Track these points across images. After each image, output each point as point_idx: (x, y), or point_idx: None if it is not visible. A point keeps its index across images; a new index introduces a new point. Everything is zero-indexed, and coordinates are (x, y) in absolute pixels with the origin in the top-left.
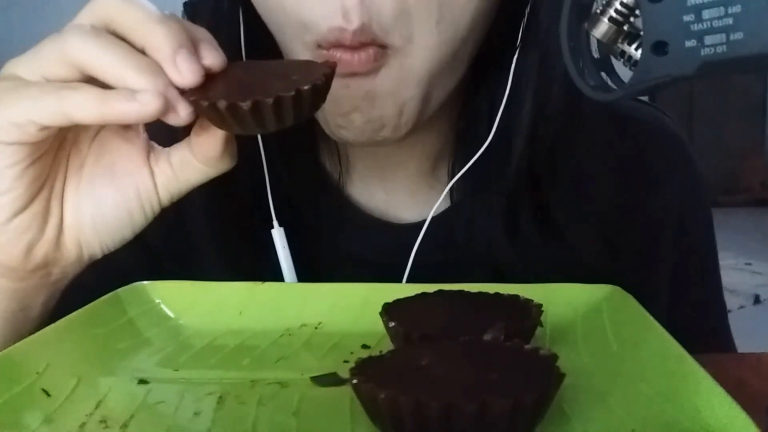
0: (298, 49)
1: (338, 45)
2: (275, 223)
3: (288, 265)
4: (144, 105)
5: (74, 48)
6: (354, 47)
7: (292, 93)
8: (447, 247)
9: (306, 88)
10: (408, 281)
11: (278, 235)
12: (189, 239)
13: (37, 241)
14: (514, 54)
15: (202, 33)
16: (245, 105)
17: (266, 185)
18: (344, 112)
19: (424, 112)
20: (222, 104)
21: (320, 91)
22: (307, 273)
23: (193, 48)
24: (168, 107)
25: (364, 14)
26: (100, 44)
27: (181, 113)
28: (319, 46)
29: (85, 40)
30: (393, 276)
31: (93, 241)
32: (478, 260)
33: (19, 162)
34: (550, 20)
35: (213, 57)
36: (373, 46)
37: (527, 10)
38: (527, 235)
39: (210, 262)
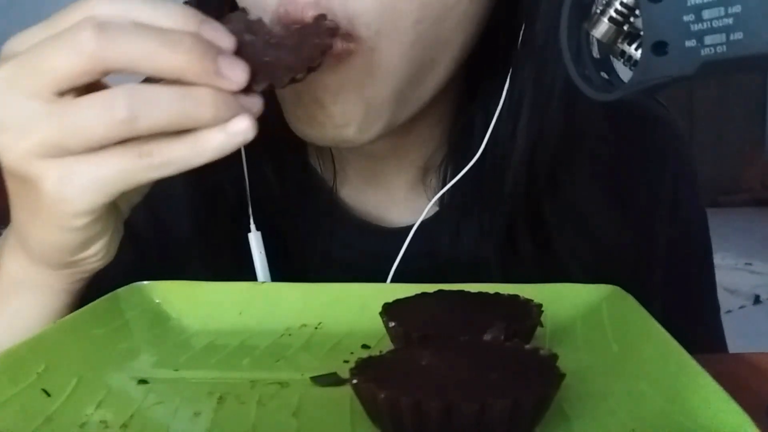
0: None
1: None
2: (252, 227)
3: (263, 269)
4: (243, 133)
5: (133, 108)
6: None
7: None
8: (432, 255)
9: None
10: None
11: (255, 239)
12: (177, 242)
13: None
14: (510, 66)
15: (194, 19)
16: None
17: (247, 189)
18: (305, 104)
19: (396, 114)
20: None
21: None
22: (295, 278)
23: (213, 45)
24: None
25: None
26: (154, 95)
27: (256, 112)
28: None
29: (139, 95)
30: (378, 280)
31: (126, 211)
32: (461, 270)
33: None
34: (548, 32)
35: (224, 39)
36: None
37: (524, 22)
38: (521, 249)
39: (194, 265)
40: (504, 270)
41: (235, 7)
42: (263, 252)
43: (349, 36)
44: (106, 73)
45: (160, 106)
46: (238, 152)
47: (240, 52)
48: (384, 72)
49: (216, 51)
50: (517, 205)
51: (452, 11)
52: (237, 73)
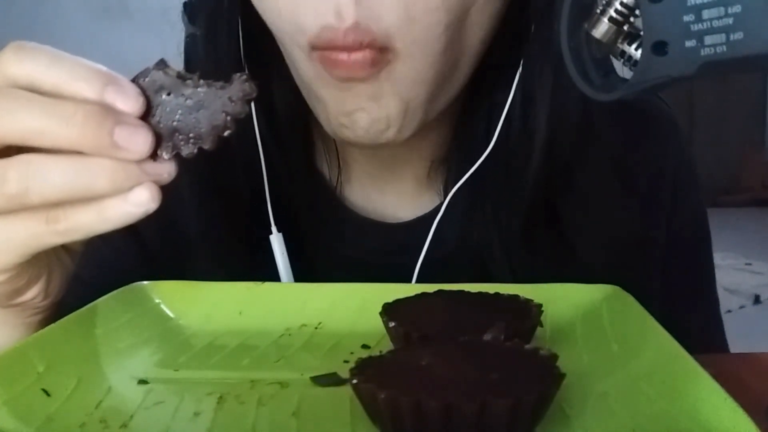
0: (295, 52)
1: (332, 46)
2: (274, 229)
3: (286, 271)
4: (144, 204)
5: (23, 183)
6: (349, 48)
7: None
8: (439, 248)
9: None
10: (404, 281)
11: (277, 241)
12: (187, 242)
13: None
14: (519, 65)
15: (99, 81)
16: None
17: (265, 190)
18: (348, 112)
19: (429, 112)
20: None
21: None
22: (304, 277)
23: (112, 112)
24: (157, 183)
25: (359, 13)
26: (47, 168)
27: (166, 177)
28: (313, 48)
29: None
30: (390, 277)
31: (78, 246)
32: (469, 263)
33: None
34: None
35: (130, 103)
36: (371, 48)
37: (534, 19)
38: (536, 246)
39: (206, 265)
40: (510, 259)
41: (248, 5)
42: (285, 253)
43: (386, 49)
44: (1, 147)
45: (53, 180)
46: (253, 153)
47: (150, 113)
48: (420, 76)
49: (114, 120)
50: (534, 197)
51: (474, 12)
52: (137, 144)
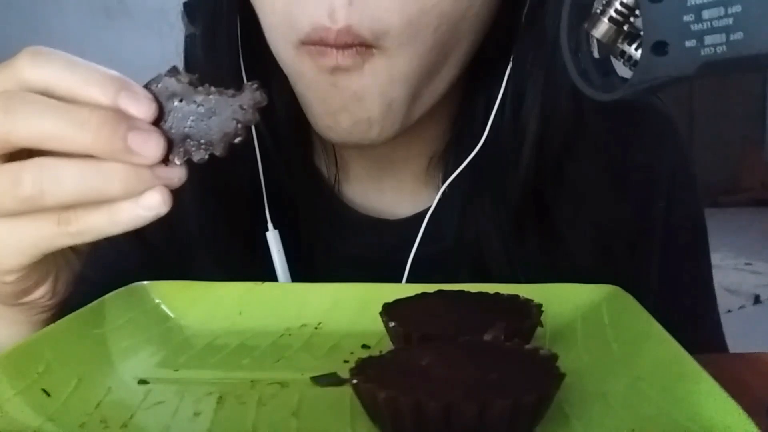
0: (281, 47)
1: (323, 44)
2: (270, 225)
3: (283, 268)
4: (155, 208)
5: (38, 185)
6: (338, 47)
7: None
8: (437, 243)
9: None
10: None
11: (273, 237)
12: (187, 239)
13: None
14: (510, 58)
15: (113, 87)
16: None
17: (262, 188)
18: (332, 112)
19: (412, 112)
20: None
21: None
22: (302, 275)
23: (125, 117)
24: (168, 187)
25: (352, 16)
26: (61, 171)
27: (177, 182)
28: (303, 43)
29: (60, 174)
30: (388, 273)
31: (85, 248)
32: (467, 257)
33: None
34: (553, 24)
35: (143, 109)
36: (358, 46)
37: (523, 16)
38: (526, 238)
39: (207, 264)
40: (507, 252)
41: (247, 5)
42: (281, 250)
43: (371, 47)
44: (15, 149)
45: (67, 183)
46: (250, 151)
47: (162, 119)
48: (403, 74)
49: (128, 126)
50: (525, 190)
51: (467, 15)
52: (149, 149)
